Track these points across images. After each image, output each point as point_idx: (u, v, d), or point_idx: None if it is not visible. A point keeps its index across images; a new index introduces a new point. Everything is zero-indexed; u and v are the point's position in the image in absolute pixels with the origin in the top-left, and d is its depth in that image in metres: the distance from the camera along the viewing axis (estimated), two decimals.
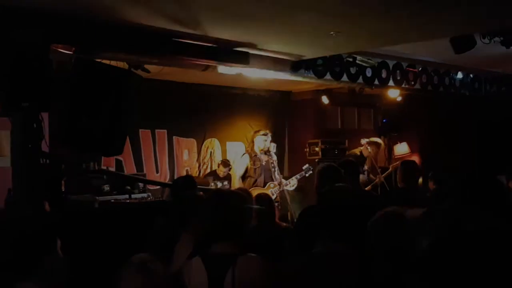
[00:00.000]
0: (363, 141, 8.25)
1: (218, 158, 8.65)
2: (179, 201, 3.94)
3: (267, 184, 7.53)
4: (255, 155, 7.61)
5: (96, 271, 3.99)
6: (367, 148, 8.05)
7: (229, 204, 2.72)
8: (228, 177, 8.01)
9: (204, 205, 2.91)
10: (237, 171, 7.77)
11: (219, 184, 7.30)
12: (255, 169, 7.57)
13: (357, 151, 8.15)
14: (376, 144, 8.22)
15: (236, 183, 7.55)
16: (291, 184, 7.50)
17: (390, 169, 7.91)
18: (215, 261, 2.61)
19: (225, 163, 8.23)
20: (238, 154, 8.56)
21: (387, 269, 2.42)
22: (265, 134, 7.68)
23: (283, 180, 7.52)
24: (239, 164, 7.78)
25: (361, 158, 7.92)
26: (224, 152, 8.79)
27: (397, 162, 7.26)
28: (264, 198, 4.54)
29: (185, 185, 4.49)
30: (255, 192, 5.66)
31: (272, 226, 4.28)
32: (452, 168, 8.53)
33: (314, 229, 2.79)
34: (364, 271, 2.47)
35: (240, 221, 2.71)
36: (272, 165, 7.50)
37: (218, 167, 8.22)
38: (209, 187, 7.02)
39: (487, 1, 4.43)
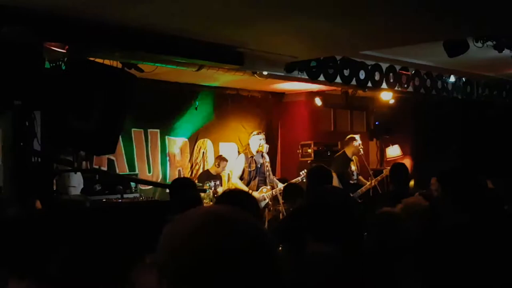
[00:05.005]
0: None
1: (210, 158, 8.62)
2: (179, 201, 3.92)
3: (260, 188, 7.50)
4: (252, 157, 7.59)
5: (90, 270, 3.96)
6: (349, 148, 7.80)
7: (246, 204, 2.71)
8: (219, 177, 7.94)
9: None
10: (234, 171, 7.75)
11: (212, 184, 7.25)
12: (250, 171, 7.54)
13: (340, 152, 8.00)
14: (350, 139, 7.84)
15: (237, 184, 7.49)
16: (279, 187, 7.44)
17: (384, 173, 7.52)
18: None
19: (224, 157, 8.11)
20: (230, 155, 8.53)
21: (383, 267, 2.43)
22: (259, 133, 7.70)
23: (278, 182, 7.52)
24: (236, 164, 7.76)
25: (345, 159, 7.78)
26: (216, 152, 8.76)
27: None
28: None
29: (185, 186, 4.48)
30: None
31: None
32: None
33: (302, 230, 2.78)
34: (354, 272, 2.47)
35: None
36: (267, 168, 7.48)
37: (217, 163, 7.93)
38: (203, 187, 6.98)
39: (481, 6, 4.45)
